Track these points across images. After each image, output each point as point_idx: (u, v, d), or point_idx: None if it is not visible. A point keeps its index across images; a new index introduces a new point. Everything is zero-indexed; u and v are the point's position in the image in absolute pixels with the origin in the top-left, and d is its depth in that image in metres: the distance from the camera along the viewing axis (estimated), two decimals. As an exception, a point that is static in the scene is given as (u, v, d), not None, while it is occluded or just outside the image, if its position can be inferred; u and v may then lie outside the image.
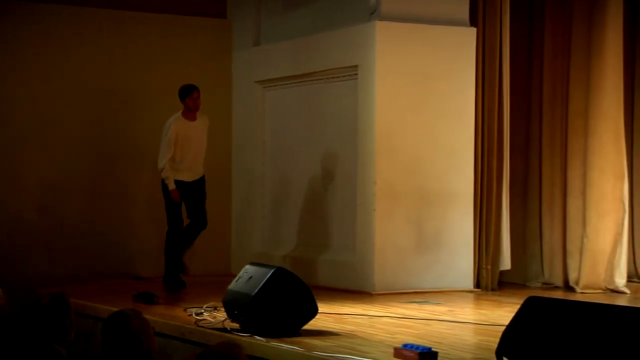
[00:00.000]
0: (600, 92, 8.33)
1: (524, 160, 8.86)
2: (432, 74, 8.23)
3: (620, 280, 8.32)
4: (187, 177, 8.29)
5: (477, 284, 8.35)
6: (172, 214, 8.30)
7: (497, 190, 8.39)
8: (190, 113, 8.26)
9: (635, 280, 9.03)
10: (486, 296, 8.03)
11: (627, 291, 8.25)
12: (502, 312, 6.76)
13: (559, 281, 8.57)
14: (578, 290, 8.24)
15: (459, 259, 8.27)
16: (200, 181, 8.36)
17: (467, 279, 8.28)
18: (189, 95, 8.23)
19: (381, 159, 8.10)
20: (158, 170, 8.26)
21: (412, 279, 8.10)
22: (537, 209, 8.78)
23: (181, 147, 8.20)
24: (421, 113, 8.21)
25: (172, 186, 8.18)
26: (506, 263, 8.40)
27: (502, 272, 8.47)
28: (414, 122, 8.20)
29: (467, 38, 8.30)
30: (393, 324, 6.35)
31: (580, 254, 8.35)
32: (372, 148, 8.11)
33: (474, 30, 8.33)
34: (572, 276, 8.40)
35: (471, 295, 8.09)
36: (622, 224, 8.38)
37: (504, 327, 4.40)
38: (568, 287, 8.42)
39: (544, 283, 8.67)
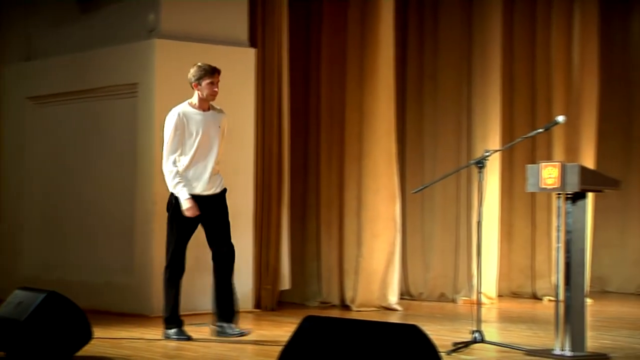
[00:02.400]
0: (373, 117, 8.60)
1: (303, 181, 8.99)
2: (214, 94, 8.18)
3: (393, 297, 8.59)
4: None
5: (258, 304, 8.36)
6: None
7: (277, 210, 8.44)
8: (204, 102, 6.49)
9: (407, 297, 9.37)
10: (266, 316, 8.04)
11: (400, 308, 8.54)
12: (282, 332, 6.77)
13: (336, 300, 8.74)
14: (354, 308, 8.43)
15: (239, 280, 8.17)
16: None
17: (247, 299, 8.24)
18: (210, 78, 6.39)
19: (160, 178, 7.91)
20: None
21: (191, 301, 7.97)
22: (315, 230, 8.94)
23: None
24: (201, 133, 8.13)
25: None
26: (285, 283, 8.46)
27: (282, 292, 8.52)
28: (194, 142, 8.10)
29: (247, 58, 8.33)
30: (170, 347, 6.22)
31: (356, 273, 8.56)
32: (151, 167, 7.94)
33: (253, 50, 8.38)
34: (348, 295, 8.61)
35: (251, 315, 8.07)
36: (395, 244, 8.69)
37: (282, 347, 4.40)
38: (344, 306, 8.61)
39: (321, 302, 8.81)
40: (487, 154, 6.32)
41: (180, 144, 6.35)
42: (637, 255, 10.55)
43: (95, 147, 8.58)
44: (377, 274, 8.59)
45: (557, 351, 5.86)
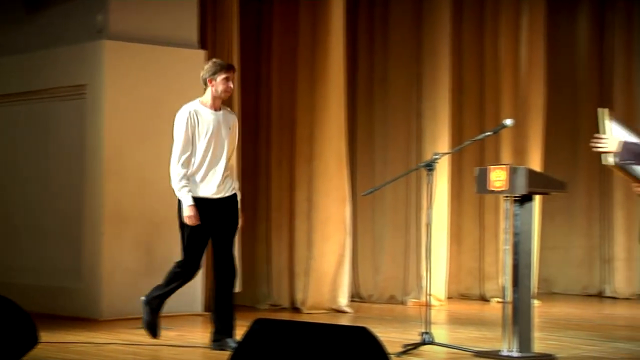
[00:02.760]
0: (324, 119, 8.61)
1: (253, 183, 8.95)
2: (162, 96, 8.13)
3: (343, 300, 8.61)
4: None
5: (208, 308, 8.32)
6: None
7: (227, 213, 8.42)
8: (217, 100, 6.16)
9: (357, 299, 9.40)
10: (215, 319, 8.00)
11: (350, 310, 8.56)
12: (231, 335, 6.75)
13: (286, 302, 8.73)
14: (304, 310, 8.43)
15: (189, 283, 8.17)
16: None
17: (197, 302, 8.20)
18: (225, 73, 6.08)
19: (110, 181, 7.89)
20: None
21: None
22: (265, 232, 8.91)
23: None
24: (152, 135, 8.07)
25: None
26: (236, 285, 8.41)
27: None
28: (144, 144, 8.05)
29: (197, 60, 8.26)
30: (121, 351, 6.16)
31: (306, 275, 8.56)
32: (101, 170, 7.88)
33: (203, 52, 8.33)
34: (299, 297, 8.61)
35: (201, 318, 8.02)
36: (345, 246, 8.71)
37: (232, 350, 4.38)
38: (295, 308, 8.61)
39: (272, 304, 8.80)
40: (436, 156, 6.37)
41: (191, 144, 6.04)
42: (582, 256, 10.71)
43: (43, 149, 8.48)
44: (328, 276, 8.60)
45: (505, 352, 5.93)
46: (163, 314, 7.89)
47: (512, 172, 5.84)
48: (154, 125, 8.09)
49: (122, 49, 7.96)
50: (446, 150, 8.78)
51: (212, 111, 6.12)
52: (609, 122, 4.94)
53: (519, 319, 5.87)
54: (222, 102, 6.28)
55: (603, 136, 4.77)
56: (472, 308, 9.33)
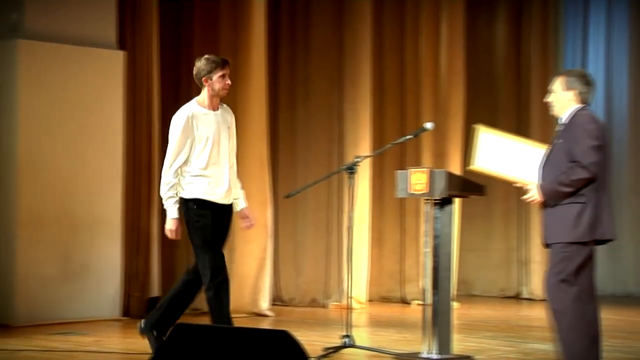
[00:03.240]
0: (246, 121, 8.57)
1: (174, 186, 8.90)
2: (80, 97, 8.00)
3: (265, 303, 8.61)
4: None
5: (126, 312, 8.22)
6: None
7: (147, 216, 8.33)
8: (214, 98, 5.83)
9: (279, 303, 9.39)
10: (135, 324, 7.72)
11: (271, 314, 8.57)
12: (150, 340, 6.68)
13: (206, 307, 8.62)
14: (225, 314, 8.41)
15: (107, 287, 8.09)
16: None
17: (115, 307, 8.11)
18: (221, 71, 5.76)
19: (25, 183, 7.73)
20: None
21: (57, 310, 7.79)
22: (185, 236, 8.78)
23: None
24: (69, 137, 7.95)
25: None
26: (155, 290, 8.33)
27: (151, 299, 8.35)
28: (61, 145, 7.91)
29: (115, 61, 8.18)
30: (34, 358, 6.05)
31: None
32: (15, 171, 7.71)
33: (122, 53, 8.24)
34: None
35: (119, 323, 7.93)
36: (266, 249, 8.70)
37: (150, 356, 4.34)
38: (215, 312, 8.55)
39: (192, 309, 8.67)
40: (357, 159, 6.41)
41: (188, 150, 5.68)
42: (501, 259, 10.90)
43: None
44: (249, 279, 8.58)
45: (425, 354, 5.99)
46: (81, 319, 7.80)
47: (432, 175, 5.91)
48: (72, 127, 7.97)
49: (38, 49, 7.81)
50: (367, 153, 8.84)
51: (211, 111, 5.78)
52: (480, 140, 5.33)
53: (439, 321, 5.94)
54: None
55: (527, 187, 5.16)
56: (392, 310, 9.41)
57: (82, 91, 8.02)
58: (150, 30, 8.34)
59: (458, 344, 6.37)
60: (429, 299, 6.02)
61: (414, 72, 9.86)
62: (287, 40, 9.69)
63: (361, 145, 9.30)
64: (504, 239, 10.88)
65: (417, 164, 9.37)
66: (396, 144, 7.05)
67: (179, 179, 5.72)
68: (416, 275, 9.70)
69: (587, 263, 5.10)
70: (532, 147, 5.49)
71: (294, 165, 9.61)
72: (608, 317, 8.85)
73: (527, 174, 5.26)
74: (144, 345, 6.57)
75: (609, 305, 9.85)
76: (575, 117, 5.12)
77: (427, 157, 9.64)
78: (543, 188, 5.09)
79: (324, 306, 9.29)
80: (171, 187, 5.71)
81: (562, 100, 5.18)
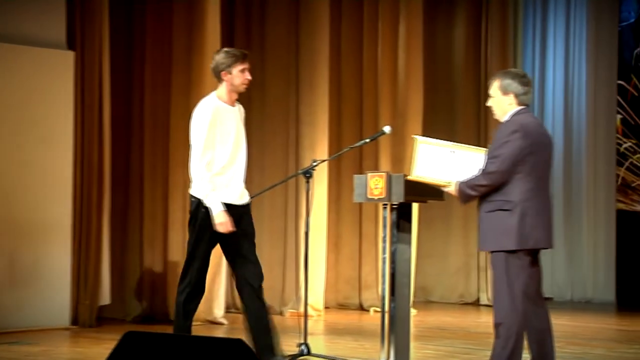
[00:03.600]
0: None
1: (125, 190, 8.80)
2: (28, 98, 7.88)
3: (219, 311, 8.56)
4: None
5: (75, 321, 8.11)
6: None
7: (98, 221, 8.22)
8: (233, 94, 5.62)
9: (233, 310, 9.31)
10: (85, 333, 7.80)
11: (226, 322, 8.52)
12: (101, 350, 6.60)
13: (159, 315, 8.59)
14: (180, 322, 8.34)
15: (56, 295, 7.97)
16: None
17: (64, 315, 7.99)
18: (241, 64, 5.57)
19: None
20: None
21: (3, 318, 7.66)
22: (138, 242, 8.77)
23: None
24: (17, 139, 7.82)
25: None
26: (106, 297, 8.25)
27: (102, 308, 8.31)
28: (9, 148, 7.79)
29: (65, 61, 8.06)
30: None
31: (181, 286, 8.47)
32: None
33: (71, 53, 8.13)
34: (172, 309, 8.36)
35: (68, 332, 7.82)
36: (221, 256, 8.51)
37: (100, 366, 4.27)
38: (168, 321, 8.44)
39: (144, 317, 8.65)
40: (314, 163, 6.38)
41: (215, 144, 5.46)
42: (459, 264, 10.93)
43: None
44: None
45: (383, 362, 5.97)
46: (29, 328, 7.67)
47: (390, 180, 5.89)
48: (20, 129, 7.85)
49: (-16, 49, 7.69)
50: (325, 157, 8.81)
51: (230, 107, 5.58)
52: (418, 150, 5.48)
53: (397, 329, 5.92)
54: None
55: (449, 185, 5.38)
56: (350, 318, 9.39)
57: (31, 92, 7.91)
58: (100, 30, 8.24)
59: (416, 351, 6.37)
60: (387, 305, 5.99)
61: (372, 75, 9.86)
62: (243, 41, 9.61)
63: (318, 149, 9.27)
64: (463, 244, 10.92)
65: (376, 168, 9.36)
66: (354, 147, 7.03)
67: (210, 173, 5.45)
68: (374, 281, 9.70)
69: (524, 271, 5.08)
70: (470, 152, 5.54)
71: (249, 170, 9.39)
72: (567, 323, 8.99)
73: (461, 177, 5.33)
74: (93, 354, 6.49)
75: (568, 311, 9.97)
76: (505, 123, 5.17)
77: (385, 161, 9.64)
78: (459, 186, 5.20)
79: (280, 313, 9.24)
80: (208, 180, 5.44)
81: (502, 104, 5.24)
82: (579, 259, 11.02)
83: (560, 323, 9.21)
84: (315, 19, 9.41)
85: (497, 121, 5.37)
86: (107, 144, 8.28)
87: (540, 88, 11.26)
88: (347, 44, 10.01)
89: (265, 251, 9.48)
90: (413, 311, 8.72)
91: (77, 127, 8.16)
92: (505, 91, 5.19)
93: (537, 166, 5.09)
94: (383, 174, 5.96)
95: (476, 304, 10.64)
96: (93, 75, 8.23)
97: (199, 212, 5.50)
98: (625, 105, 11.17)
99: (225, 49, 5.70)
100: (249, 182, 9.38)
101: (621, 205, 11.13)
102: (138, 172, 8.81)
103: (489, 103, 5.32)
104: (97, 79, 8.24)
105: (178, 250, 8.53)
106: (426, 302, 10.66)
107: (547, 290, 11.10)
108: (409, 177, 5.53)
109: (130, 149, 8.87)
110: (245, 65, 5.58)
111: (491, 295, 5.20)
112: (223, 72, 5.56)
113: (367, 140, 6.66)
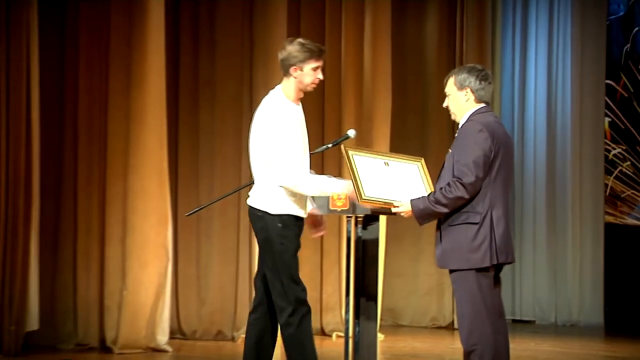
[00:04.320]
0: (141, 129, 8.51)
1: (56, 203, 8.72)
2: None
3: (163, 337, 8.51)
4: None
5: (-1, 349, 7.97)
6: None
7: (24, 237, 8.12)
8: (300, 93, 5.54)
9: (179, 336, 9.26)
10: (10, 362, 7.72)
11: (170, 349, 8.48)
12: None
13: (95, 341, 8.62)
14: (116, 350, 8.30)
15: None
16: None
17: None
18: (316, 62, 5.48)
19: None
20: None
21: None
22: (71, 260, 8.69)
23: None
24: None
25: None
26: (34, 323, 8.14)
27: (29, 333, 8.19)
28: None
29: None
30: None
31: (119, 309, 8.44)
32: None
33: (-5, 50, 8.05)
34: (110, 335, 8.51)
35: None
36: (166, 274, 8.66)
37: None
38: (105, 348, 8.49)
39: (77, 344, 8.64)
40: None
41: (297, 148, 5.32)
42: (431, 284, 10.87)
43: None
44: (145, 309, 8.49)
45: (346, 394, 5.89)
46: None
47: (355, 189, 5.79)
48: None
49: None
50: (281, 165, 8.70)
51: (298, 107, 5.48)
52: (356, 164, 5.42)
53: (362, 356, 5.90)
54: None
55: (398, 205, 5.22)
56: (311, 344, 9.29)
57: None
58: (28, 22, 8.13)
59: (384, 381, 6.30)
60: (351, 330, 5.95)
61: (336, 74, 9.79)
62: (190, 39, 9.55)
63: (275, 156, 9.16)
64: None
65: (339, 176, 9.26)
66: (315, 153, 6.92)
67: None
68: (337, 303, 9.64)
69: (492, 289, 5.07)
70: (404, 164, 5.54)
71: (196, 179, 9.51)
72: (551, 349, 8.97)
73: (407, 195, 5.23)
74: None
75: (552, 335, 10.00)
76: (467, 123, 5.12)
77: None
78: (415, 205, 5.09)
79: (232, 339, 9.19)
80: (309, 173, 5.42)
81: (459, 102, 5.22)
82: (564, 278, 11.04)
83: (543, 349, 9.22)
84: (271, 12, 9.35)
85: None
86: (35, 149, 8.17)
87: (521, 88, 11.29)
88: (307, 37, 9.88)
89: (215, 270, 9.44)
90: (380, 336, 8.65)
91: (1, 132, 8.07)
92: (461, 86, 5.16)
93: (502, 170, 5.08)
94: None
95: (450, 327, 10.60)
96: (20, 75, 8.15)
97: (272, 227, 5.38)
98: (614, 107, 11.20)
99: (300, 40, 5.54)
100: (195, 193, 9.37)
101: (610, 218, 11.15)
102: (71, 181, 8.73)
103: (446, 103, 5.30)
104: (25, 79, 8.16)
105: (115, 268, 8.49)
106: (395, 326, 10.63)
107: (529, 313, 11.17)
108: (362, 200, 5.41)
109: (63, 154, 8.78)
110: (320, 64, 5.44)
111: (457, 319, 5.14)
112: (293, 67, 5.43)
113: (330, 145, 6.62)
